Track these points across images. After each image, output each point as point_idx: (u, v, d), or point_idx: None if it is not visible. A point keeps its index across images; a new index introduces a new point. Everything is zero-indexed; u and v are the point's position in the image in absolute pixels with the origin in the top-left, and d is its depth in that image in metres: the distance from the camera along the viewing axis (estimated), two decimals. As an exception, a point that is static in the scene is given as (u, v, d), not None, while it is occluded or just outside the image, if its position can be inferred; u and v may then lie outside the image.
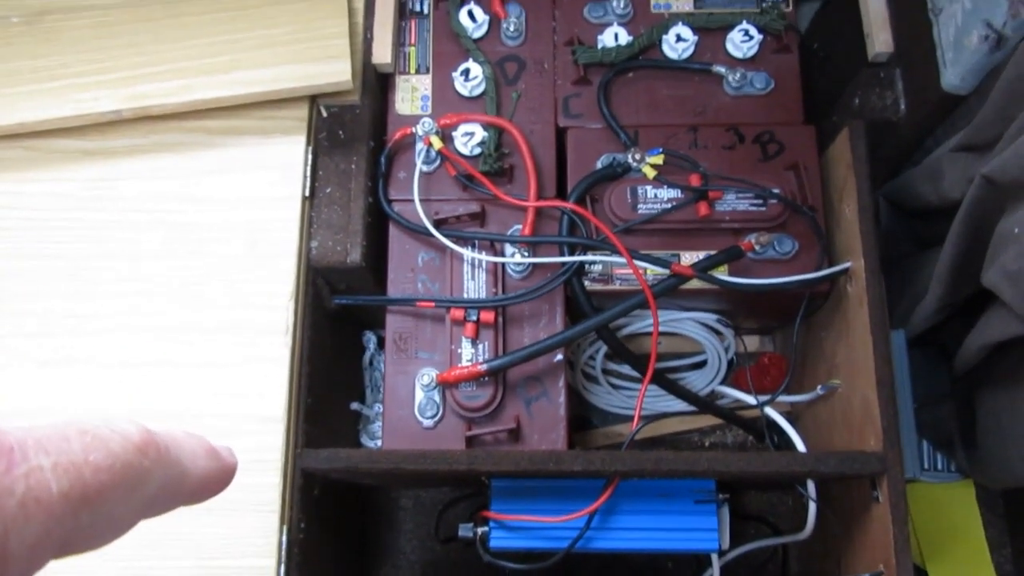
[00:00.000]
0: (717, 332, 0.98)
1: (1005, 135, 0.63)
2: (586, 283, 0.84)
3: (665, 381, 0.92)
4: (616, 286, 0.85)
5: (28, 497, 0.21)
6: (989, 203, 0.64)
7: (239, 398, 0.75)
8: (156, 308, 0.77)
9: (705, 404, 0.95)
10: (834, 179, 0.86)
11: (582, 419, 1.06)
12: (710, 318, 0.96)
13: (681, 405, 0.96)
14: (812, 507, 0.81)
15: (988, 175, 0.62)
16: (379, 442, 0.93)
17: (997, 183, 0.62)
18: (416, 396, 0.83)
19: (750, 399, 0.90)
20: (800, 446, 0.84)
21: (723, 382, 1.02)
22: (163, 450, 0.26)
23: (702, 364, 1.03)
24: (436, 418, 0.82)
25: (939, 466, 1.00)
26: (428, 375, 0.82)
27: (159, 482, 0.26)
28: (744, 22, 0.89)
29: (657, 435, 1.07)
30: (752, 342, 1.07)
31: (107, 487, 0.23)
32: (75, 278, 0.78)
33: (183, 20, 0.83)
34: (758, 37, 0.89)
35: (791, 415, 1.01)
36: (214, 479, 0.29)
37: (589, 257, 0.83)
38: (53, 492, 0.22)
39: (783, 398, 0.91)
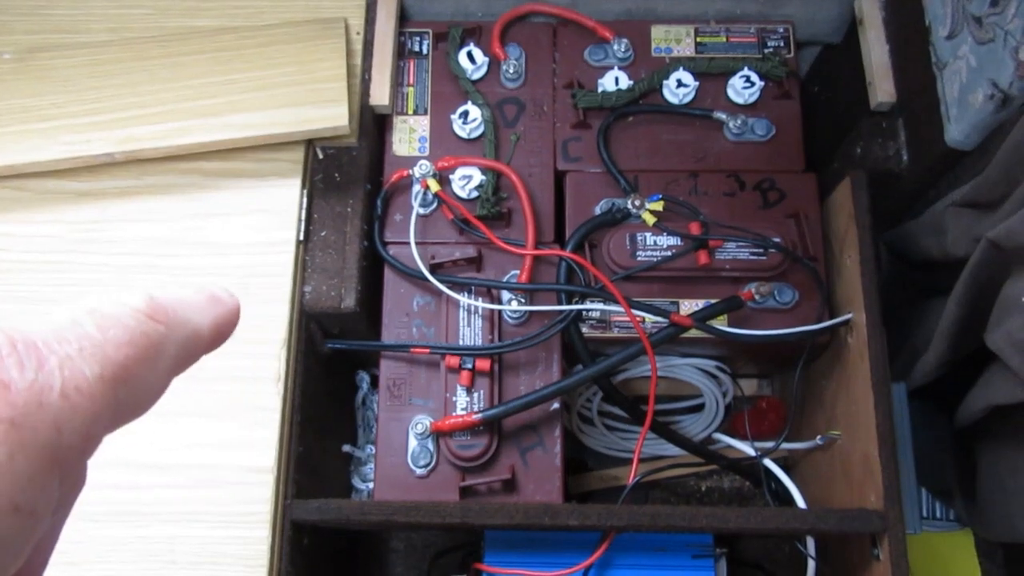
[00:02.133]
0: (715, 377, 0.96)
1: (1011, 197, 0.63)
2: (584, 329, 0.83)
3: (662, 429, 0.90)
4: (614, 333, 0.84)
5: (68, 388, 0.21)
6: (994, 266, 0.64)
7: (228, 449, 0.74)
8: (145, 354, 0.75)
9: (702, 451, 0.94)
10: (835, 228, 0.85)
11: (578, 461, 1.05)
12: (709, 364, 0.95)
13: (678, 449, 0.95)
14: (811, 564, 0.79)
15: (994, 239, 0.61)
16: (371, 485, 0.92)
17: (1003, 248, 0.61)
18: (409, 444, 0.81)
19: (749, 450, 0.88)
20: (799, 500, 0.82)
21: (721, 426, 1.01)
22: (171, 312, 0.25)
23: (700, 407, 1.02)
24: (429, 467, 0.80)
25: (938, 515, 0.99)
26: (422, 423, 0.80)
27: (177, 342, 0.25)
28: (745, 68, 0.88)
29: (653, 479, 1.05)
30: (750, 385, 1.06)
31: (133, 360, 0.23)
32: (63, 322, 0.76)
33: (179, 60, 0.82)
34: (759, 83, 0.88)
35: (789, 460, 1.00)
36: (224, 323, 0.29)
37: (587, 306, 0.82)
38: (88, 377, 0.22)
39: (781, 445, 0.89)
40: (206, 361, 0.78)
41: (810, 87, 1.02)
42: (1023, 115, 0.63)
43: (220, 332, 0.29)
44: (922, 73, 0.79)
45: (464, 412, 0.80)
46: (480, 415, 0.78)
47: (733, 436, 0.98)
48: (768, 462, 0.86)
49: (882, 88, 0.85)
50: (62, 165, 0.78)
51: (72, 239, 0.79)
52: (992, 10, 0.66)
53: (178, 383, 0.79)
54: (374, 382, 0.97)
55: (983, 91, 0.68)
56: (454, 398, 0.81)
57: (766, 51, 0.90)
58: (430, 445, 0.81)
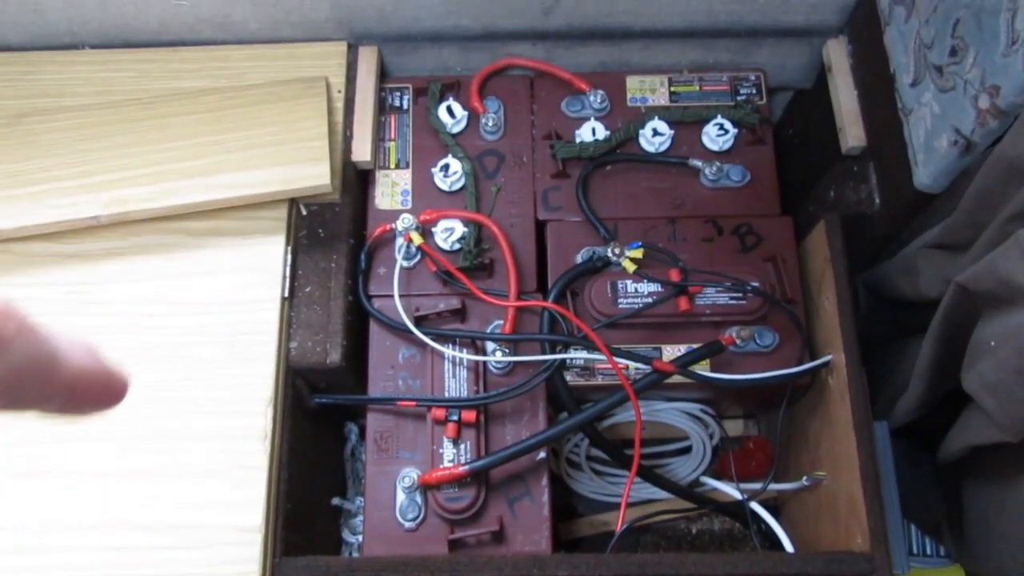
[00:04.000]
0: (701, 420, 0.97)
1: (977, 243, 0.64)
2: (568, 377, 0.84)
3: (650, 475, 0.91)
4: (599, 381, 0.85)
5: None
6: (965, 309, 0.65)
7: (216, 508, 0.74)
8: (132, 415, 0.76)
9: (690, 495, 0.94)
10: (812, 270, 0.87)
11: (567, 507, 1.05)
12: (693, 407, 0.96)
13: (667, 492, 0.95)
14: (801, 608, 0.79)
15: (963, 284, 0.63)
16: (360, 538, 0.92)
17: (971, 291, 0.62)
18: (397, 497, 0.81)
19: (736, 493, 0.89)
20: (786, 543, 0.83)
21: (708, 468, 1.01)
22: (27, 325, 0.25)
23: (687, 449, 1.02)
24: (418, 520, 0.81)
25: (928, 551, 0.99)
26: (409, 476, 0.80)
27: (24, 354, 0.25)
28: (719, 116, 0.90)
29: (643, 523, 1.05)
30: (736, 426, 1.07)
31: None
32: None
33: (165, 121, 0.84)
34: (733, 131, 0.90)
35: (777, 500, 1.01)
36: (95, 381, 0.28)
37: (570, 355, 0.82)
38: None
39: (769, 487, 0.90)
40: (193, 420, 0.79)
41: (784, 131, 1.05)
42: (986, 160, 0.65)
43: (87, 388, 0.28)
44: (890, 118, 0.81)
45: (451, 464, 0.80)
46: (467, 467, 0.78)
47: (721, 477, 0.99)
48: (755, 505, 0.86)
49: (852, 133, 0.87)
50: (49, 229, 0.79)
51: (58, 301, 0.79)
52: (951, 60, 0.69)
53: (166, 443, 0.79)
54: (363, 433, 0.97)
55: (947, 137, 0.70)
56: (441, 450, 0.81)
57: (739, 98, 0.93)
58: (418, 498, 0.81)
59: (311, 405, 0.86)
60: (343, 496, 0.96)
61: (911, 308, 0.82)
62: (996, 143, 0.65)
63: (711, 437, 0.99)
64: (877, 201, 0.85)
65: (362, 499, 0.94)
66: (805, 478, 0.88)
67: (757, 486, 0.91)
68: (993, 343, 0.60)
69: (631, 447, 0.81)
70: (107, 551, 0.72)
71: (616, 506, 1.03)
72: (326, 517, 0.93)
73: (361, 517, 0.93)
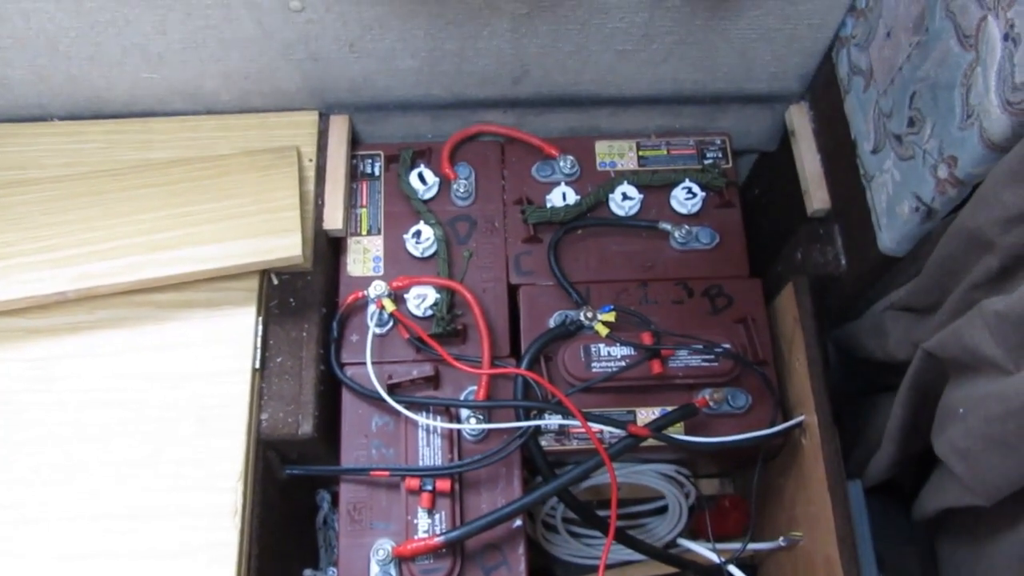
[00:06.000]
0: (676, 480, 0.97)
1: (942, 308, 0.65)
2: (543, 442, 0.84)
3: (627, 539, 0.90)
4: (574, 445, 0.84)
5: None
6: (932, 373, 0.66)
7: (185, 589, 0.72)
8: (98, 494, 0.74)
9: (667, 557, 0.93)
10: (782, 330, 0.88)
11: (544, 571, 1.04)
12: (668, 468, 0.95)
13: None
14: (781, 674, 0.79)
15: (929, 350, 0.64)
16: (334, 610, 0.90)
17: (938, 358, 0.63)
18: (371, 570, 0.80)
19: (714, 557, 0.88)
20: (766, 607, 0.82)
21: (685, 528, 1.01)
22: None
23: (663, 508, 1.02)
24: (393, 593, 0.79)
25: (905, 607, 0.99)
26: (384, 548, 0.79)
27: None
28: (687, 180, 0.92)
29: (621, 583, 1.04)
30: (711, 484, 1.06)
31: None
32: (13, 463, 0.75)
33: (133, 193, 0.83)
34: (701, 194, 0.91)
35: (755, 559, 1.00)
36: None
37: (545, 421, 0.82)
38: None
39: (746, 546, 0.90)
40: (161, 497, 0.77)
41: (750, 191, 1.07)
42: (947, 230, 0.66)
43: None
44: (853, 182, 0.83)
45: (426, 534, 0.79)
46: (442, 538, 0.77)
47: (698, 536, 0.98)
48: (733, 568, 0.86)
49: (817, 196, 0.89)
50: (14, 305, 0.77)
51: (23, 377, 0.78)
52: (910, 130, 0.71)
53: (134, 521, 0.77)
54: (335, 500, 0.96)
55: (909, 203, 0.72)
56: (415, 520, 0.80)
57: (705, 162, 0.94)
58: (392, 571, 0.79)
59: (282, 476, 0.85)
60: (315, 566, 0.94)
61: (880, 368, 0.83)
62: (957, 209, 0.67)
63: (687, 497, 0.99)
64: (843, 263, 0.87)
65: (335, 569, 0.92)
66: (782, 538, 0.88)
67: (734, 545, 0.90)
68: (962, 410, 0.61)
69: (607, 508, 0.80)
70: (72, 637, 0.70)
71: (594, 568, 1.02)
72: (299, 589, 0.91)
73: (334, 588, 0.92)
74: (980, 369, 0.59)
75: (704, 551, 0.91)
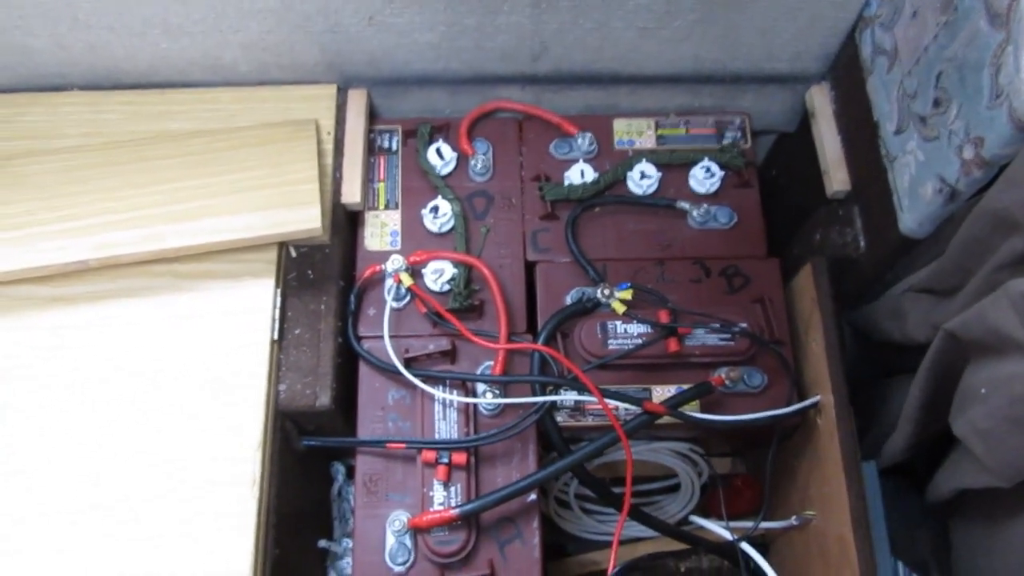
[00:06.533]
0: (689, 459, 0.97)
1: (965, 289, 0.65)
2: (559, 418, 0.84)
3: (640, 515, 0.90)
4: (589, 421, 0.85)
5: None
6: (953, 354, 0.66)
7: (204, 556, 0.72)
8: (118, 461, 0.75)
9: (680, 534, 0.94)
10: (800, 311, 0.88)
11: (557, 547, 1.04)
12: (682, 446, 0.96)
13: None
14: (792, 651, 0.79)
15: (951, 331, 0.63)
16: (348, 580, 0.91)
17: (960, 338, 0.63)
18: (387, 541, 0.81)
19: (726, 533, 0.89)
20: (777, 585, 0.83)
21: (697, 506, 1.01)
22: None
23: (676, 487, 1.02)
24: (407, 564, 0.80)
25: (915, 588, 0.99)
26: (399, 520, 0.80)
27: None
28: (705, 159, 0.92)
29: (632, 559, 1.05)
30: (724, 464, 1.07)
31: None
32: (35, 431, 0.76)
33: (152, 164, 0.83)
34: (719, 173, 0.91)
35: (766, 538, 1.01)
36: None
37: (560, 396, 0.82)
38: None
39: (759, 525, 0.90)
40: (180, 466, 0.78)
41: (768, 172, 1.06)
42: (972, 208, 0.66)
43: None
44: (874, 163, 0.83)
45: (441, 507, 0.80)
46: (458, 510, 0.78)
47: (709, 514, 0.99)
48: (745, 546, 0.87)
49: (836, 177, 0.88)
50: (36, 273, 0.78)
51: (44, 345, 0.78)
52: (935, 111, 0.70)
53: (152, 489, 0.78)
54: (349, 473, 0.97)
55: (932, 185, 0.71)
56: (431, 493, 0.81)
57: (724, 142, 0.94)
58: (408, 542, 0.80)
59: (299, 448, 0.85)
60: (329, 537, 0.95)
61: (898, 350, 0.83)
62: (982, 191, 0.67)
63: (700, 475, 0.99)
64: (862, 244, 0.86)
65: (349, 540, 0.93)
66: (795, 517, 0.88)
67: (746, 523, 0.91)
68: (984, 391, 0.61)
69: (620, 485, 0.81)
70: (91, 603, 0.71)
71: (605, 544, 1.03)
72: (312, 559, 0.92)
73: (348, 559, 0.92)
74: (1004, 350, 0.59)
75: (717, 528, 0.92)
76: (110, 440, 0.76)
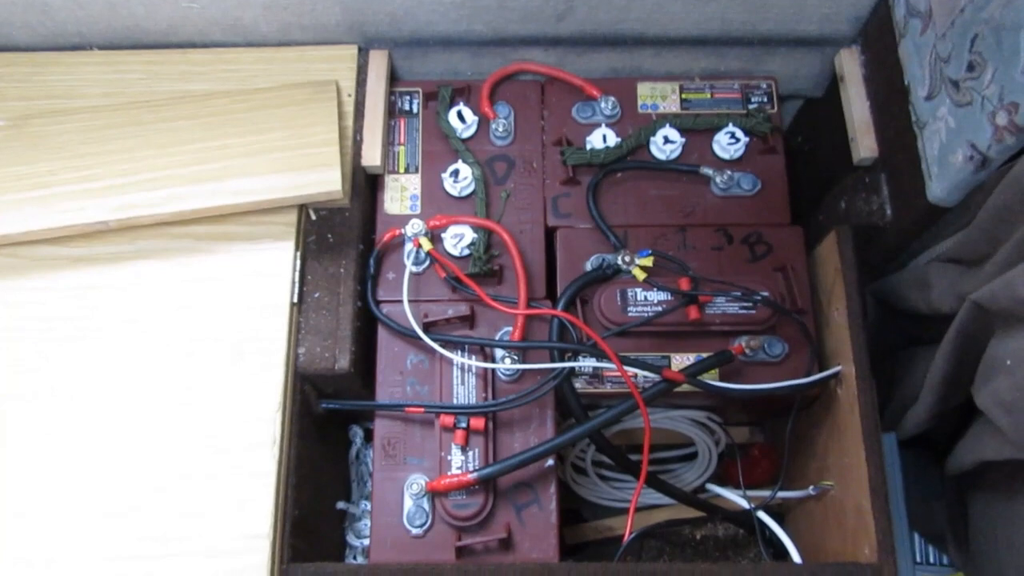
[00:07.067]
0: (707, 427, 0.97)
1: (993, 259, 0.64)
2: (577, 385, 0.84)
3: (657, 483, 0.91)
4: (607, 388, 0.84)
5: None
6: (979, 325, 0.65)
7: (224, 516, 0.73)
8: (138, 423, 0.76)
9: (697, 502, 0.94)
10: (822, 280, 0.87)
11: (573, 512, 1.05)
12: (700, 414, 0.95)
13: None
14: (807, 619, 0.79)
15: (978, 301, 0.62)
16: (365, 541, 0.91)
17: (987, 309, 0.62)
18: (405, 504, 0.81)
19: (743, 502, 0.89)
20: (794, 553, 0.83)
21: (714, 475, 1.01)
22: None
23: (693, 456, 1.02)
24: (425, 527, 0.80)
25: (931, 559, 0.99)
26: (417, 483, 0.80)
27: None
28: (730, 124, 0.90)
29: (648, 526, 1.05)
30: (741, 433, 1.07)
31: None
32: (54, 391, 0.76)
33: (172, 125, 0.83)
34: (744, 139, 0.90)
35: (783, 507, 1.01)
36: None
37: (579, 363, 0.82)
38: None
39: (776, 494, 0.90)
40: (200, 427, 0.79)
41: (793, 138, 1.04)
42: (1003, 176, 0.65)
43: None
44: (903, 130, 0.81)
45: (459, 471, 0.80)
46: (475, 474, 0.78)
47: (726, 483, 0.99)
48: (762, 514, 0.87)
49: (864, 144, 0.86)
50: (56, 233, 0.78)
51: (65, 305, 0.79)
52: (969, 75, 0.68)
53: (173, 450, 0.79)
54: (367, 436, 0.97)
55: (963, 152, 0.70)
56: (449, 457, 0.81)
57: (750, 107, 0.92)
58: (425, 505, 0.81)
59: (318, 411, 0.86)
60: (347, 499, 0.96)
61: (922, 320, 0.82)
62: (1012, 159, 0.65)
63: (717, 444, 0.99)
64: (889, 213, 0.85)
65: (367, 503, 0.94)
66: (812, 487, 0.88)
67: (762, 492, 0.91)
68: (1009, 362, 0.60)
69: (637, 452, 0.81)
70: (115, 559, 0.72)
71: (621, 511, 1.03)
72: (331, 521, 0.93)
73: (366, 521, 0.93)
74: (1031, 321, 0.58)
75: (733, 497, 0.92)
76: (130, 401, 0.76)
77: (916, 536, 0.99)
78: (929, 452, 0.92)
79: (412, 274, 0.86)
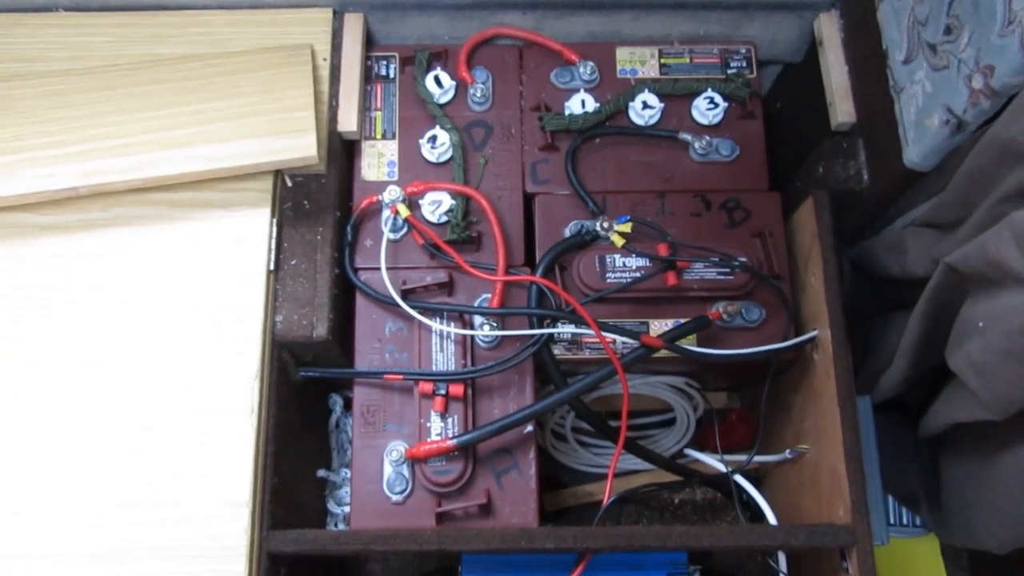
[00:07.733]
0: (685, 393, 0.98)
1: (967, 222, 0.64)
2: (556, 351, 0.84)
3: (636, 448, 0.91)
4: (586, 355, 0.85)
5: None
6: (953, 289, 0.65)
7: (203, 483, 0.73)
8: (115, 392, 0.75)
9: (675, 467, 0.95)
10: (799, 246, 0.87)
11: (552, 478, 1.06)
12: (678, 380, 0.96)
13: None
14: (783, 578, 0.81)
15: (952, 264, 0.63)
16: (346, 508, 0.92)
17: (960, 272, 0.63)
18: (384, 471, 0.81)
19: (720, 466, 0.90)
20: (770, 515, 0.84)
21: (692, 440, 1.02)
22: None
23: (671, 421, 1.03)
24: (405, 493, 0.81)
25: (904, 521, 1.01)
26: (397, 450, 0.80)
27: None
28: (709, 89, 0.90)
29: (627, 490, 1.06)
30: (719, 398, 1.08)
31: None
32: (30, 359, 0.75)
33: (144, 89, 0.82)
34: (723, 104, 0.89)
35: (759, 471, 1.02)
36: None
37: (558, 329, 0.82)
38: None
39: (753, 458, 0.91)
40: (177, 395, 0.78)
41: (772, 103, 1.04)
42: (977, 140, 0.65)
43: None
44: (880, 95, 0.81)
45: (439, 438, 0.80)
46: (455, 440, 0.79)
47: (704, 448, 1.00)
48: (739, 478, 0.88)
49: (842, 109, 0.86)
50: (25, 200, 0.77)
51: (37, 274, 0.78)
52: (946, 38, 0.68)
53: (151, 418, 0.78)
54: (347, 404, 0.97)
55: (939, 116, 0.70)
56: (428, 424, 0.81)
57: (729, 71, 0.92)
58: (405, 471, 0.81)
59: (297, 379, 0.85)
60: (328, 467, 0.96)
61: (897, 285, 0.83)
62: (988, 123, 0.65)
63: (695, 409, 1.00)
64: (866, 178, 0.85)
65: (347, 471, 0.94)
66: (789, 451, 0.89)
67: (740, 457, 0.92)
68: (981, 324, 0.60)
69: (616, 419, 0.81)
70: (93, 527, 0.72)
71: (600, 477, 1.04)
72: (311, 489, 0.93)
73: (346, 488, 0.93)
74: (1003, 283, 0.58)
75: (711, 461, 0.93)
76: (107, 369, 0.76)
77: (890, 498, 1.01)
78: (903, 415, 0.93)
79: (390, 241, 0.85)
